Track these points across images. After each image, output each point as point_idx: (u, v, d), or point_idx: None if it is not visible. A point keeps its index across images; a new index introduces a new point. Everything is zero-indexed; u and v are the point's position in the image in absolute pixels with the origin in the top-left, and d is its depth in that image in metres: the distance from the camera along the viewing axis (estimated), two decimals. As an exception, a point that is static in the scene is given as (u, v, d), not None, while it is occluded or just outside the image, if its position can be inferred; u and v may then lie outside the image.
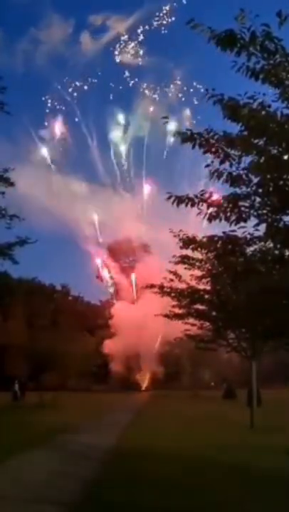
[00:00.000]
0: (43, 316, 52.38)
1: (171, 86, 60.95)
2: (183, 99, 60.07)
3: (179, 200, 5.94)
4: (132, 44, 60.55)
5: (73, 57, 67.50)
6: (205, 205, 5.94)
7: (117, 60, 61.71)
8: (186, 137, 5.70)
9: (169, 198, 5.95)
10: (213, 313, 15.88)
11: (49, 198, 59.93)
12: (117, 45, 60.85)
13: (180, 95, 60.34)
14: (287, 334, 11.90)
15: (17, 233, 16.35)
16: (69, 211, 59.95)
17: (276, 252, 6.44)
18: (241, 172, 5.71)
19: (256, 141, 5.53)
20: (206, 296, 15.08)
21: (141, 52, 60.81)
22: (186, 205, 5.91)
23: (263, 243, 6.41)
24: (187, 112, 59.26)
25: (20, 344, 44.69)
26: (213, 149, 5.69)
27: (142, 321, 46.27)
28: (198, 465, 8.99)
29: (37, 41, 64.78)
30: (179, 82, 60.60)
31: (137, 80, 61.39)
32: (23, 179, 32.07)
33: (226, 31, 5.01)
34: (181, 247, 11.26)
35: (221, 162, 5.73)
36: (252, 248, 6.83)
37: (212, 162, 5.76)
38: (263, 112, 5.32)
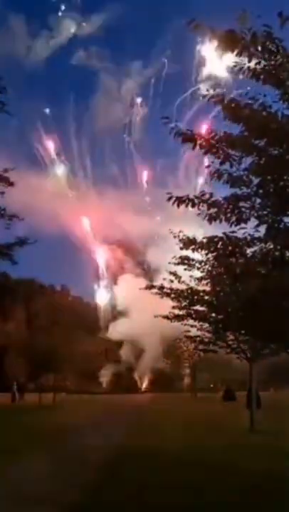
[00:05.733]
0: (43, 317, 52.27)
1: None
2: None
3: (180, 200, 5.91)
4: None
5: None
6: (205, 205, 5.91)
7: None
8: (186, 137, 5.68)
9: (170, 198, 5.92)
10: (213, 315, 15.79)
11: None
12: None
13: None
14: (287, 336, 11.83)
15: (16, 233, 16.22)
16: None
17: (276, 253, 6.40)
18: (242, 173, 5.70)
19: (257, 141, 5.52)
20: (206, 298, 15.00)
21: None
22: (187, 206, 5.88)
23: (263, 244, 6.38)
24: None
25: (19, 345, 44.51)
26: (214, 150, 5.67)
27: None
28: (201, 468, 8.93)
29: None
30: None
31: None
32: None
33: (227, 32, 5.00)
34: (181, 248, 11.20)
35: (222, 163, 5.72)
36: (252, 249, 6.79)
37: (212, 162, 5.75)
38: (264, 113, 5.30)
